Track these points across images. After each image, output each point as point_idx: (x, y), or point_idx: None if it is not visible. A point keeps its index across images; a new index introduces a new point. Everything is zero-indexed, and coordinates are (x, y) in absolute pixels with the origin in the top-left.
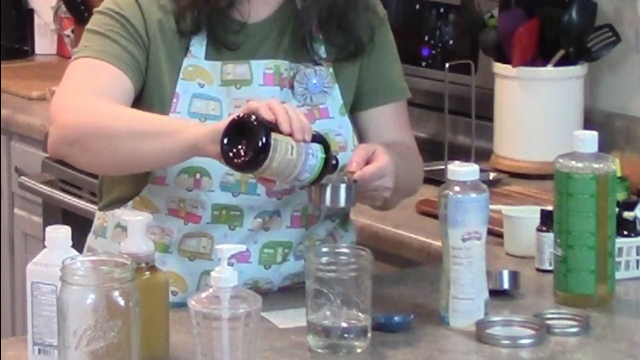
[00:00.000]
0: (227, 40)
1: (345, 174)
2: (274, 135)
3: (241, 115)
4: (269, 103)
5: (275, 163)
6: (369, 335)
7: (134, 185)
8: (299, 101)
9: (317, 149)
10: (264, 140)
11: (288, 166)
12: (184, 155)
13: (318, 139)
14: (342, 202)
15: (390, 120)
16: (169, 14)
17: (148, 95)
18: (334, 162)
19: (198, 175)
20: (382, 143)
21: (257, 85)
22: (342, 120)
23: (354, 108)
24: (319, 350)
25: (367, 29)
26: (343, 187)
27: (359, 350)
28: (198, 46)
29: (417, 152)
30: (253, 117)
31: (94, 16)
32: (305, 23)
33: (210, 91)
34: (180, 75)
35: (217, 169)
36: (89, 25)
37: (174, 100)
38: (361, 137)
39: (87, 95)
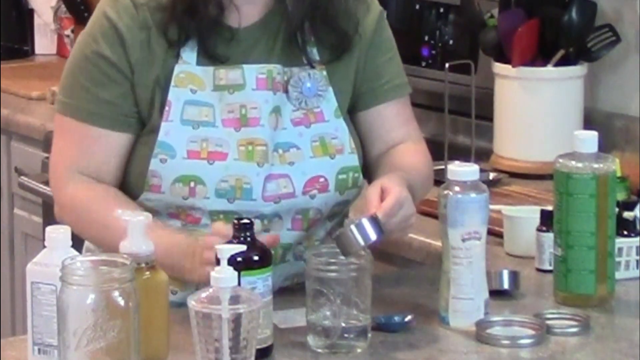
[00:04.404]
0: (216, 52)
1: (360, 218)
2: None
3: None
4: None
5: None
6: (369, 335)
7: (131, 193)
8: (294, 105)
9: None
10: None
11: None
12: None
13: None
14: (373, 235)
15: (393, 117)
16: (151, 29)
17: (141, 110)
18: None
19: (192, 184)
20: (386, 147)
21: (250, 90)
22: (337, 123)
23: (356, 108)
24: (319, 350)
25: (352, 20)
26: (364, 220)
27: (359, 350)
28: (189, 52)
29: (424, 147)
30: None
31: (76, 49)
32: (294, 23)
33: (202, 97)
34: (172, 83)
35: (212, 176)
36: (71, 62)
37: (166, 108)
38: (366, 136)
39: (80, 185)
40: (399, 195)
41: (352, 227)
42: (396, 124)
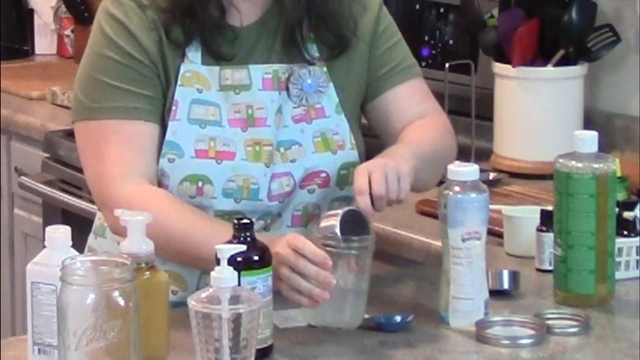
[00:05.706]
0: (221, 52)
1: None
2: None
3: None
4: None
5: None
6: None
7: None
8: (295, 102)
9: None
10: None
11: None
12: None
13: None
14: (338, 210)
15: (407, 98)
16: (160, 29)
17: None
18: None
19: (200, 183)
20: (403, 123)
21: (257, 90)
22: (338, 119)
23: (369, 97)
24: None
25: (349, 22)
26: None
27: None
28: (194, 52)
29: (442, 119)
30: None
31: (91, 54)
32: (291, 22)
33: (209, 96)
34: (179, 82)
35: (219, 176)
36: (88, 66)
37: (173, 107)
38: (384, 121)
39: (130, 187)
40: (360, 172)
41: (320, 221)
42: (411, 103)
